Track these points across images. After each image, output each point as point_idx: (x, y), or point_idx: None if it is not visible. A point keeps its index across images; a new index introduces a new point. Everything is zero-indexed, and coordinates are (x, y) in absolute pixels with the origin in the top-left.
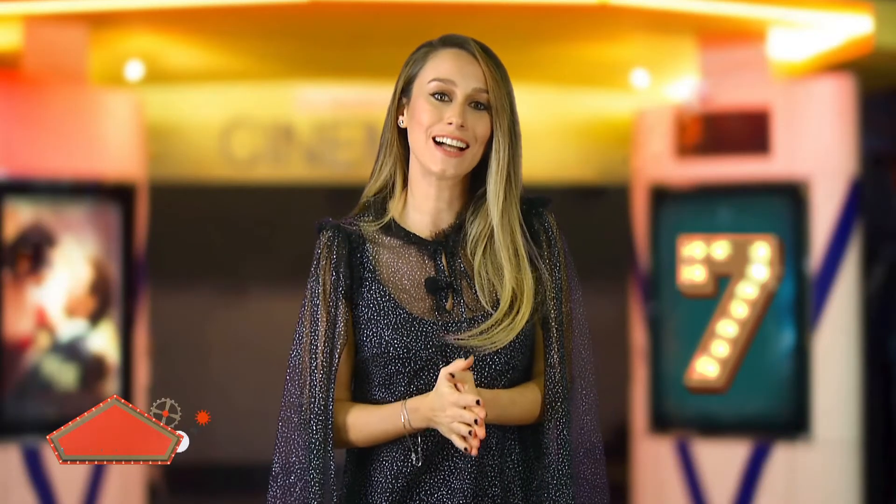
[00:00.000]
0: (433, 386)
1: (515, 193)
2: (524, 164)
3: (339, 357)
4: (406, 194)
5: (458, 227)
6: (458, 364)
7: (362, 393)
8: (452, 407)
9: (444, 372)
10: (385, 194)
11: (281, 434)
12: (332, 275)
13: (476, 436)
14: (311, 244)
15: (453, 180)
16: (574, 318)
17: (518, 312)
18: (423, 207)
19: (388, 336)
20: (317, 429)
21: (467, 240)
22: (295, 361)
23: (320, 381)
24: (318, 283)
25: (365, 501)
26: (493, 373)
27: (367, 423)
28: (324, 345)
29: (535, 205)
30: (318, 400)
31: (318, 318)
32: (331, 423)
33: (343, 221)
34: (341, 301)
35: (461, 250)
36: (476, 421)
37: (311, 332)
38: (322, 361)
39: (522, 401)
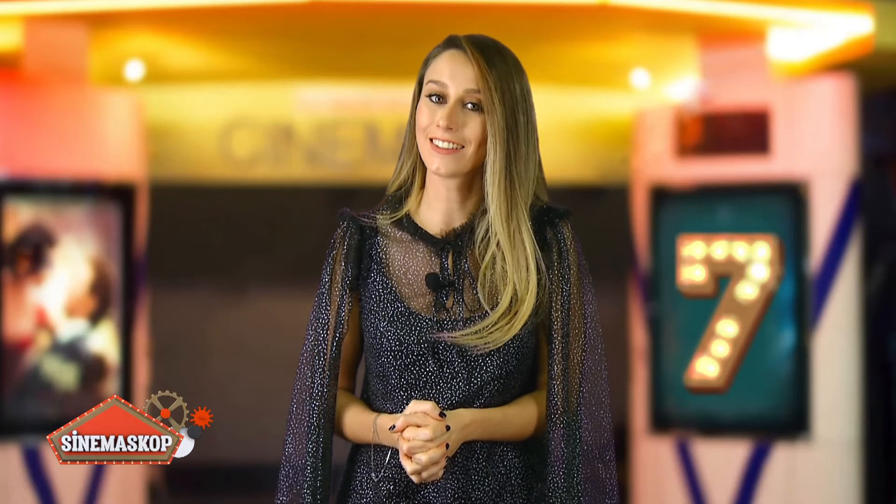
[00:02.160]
0: (423, 381)
1: (520, 193)
2: None
3: (339, 346)
4: (423, 192)
5: (470, 228)
6: (426, 406)
7: (365, 382)
8: (404, 442)
9: (414, 406)
10: (404, 190)
11: (294, 415)
12: (342, 265)
13: (425, 469)
14: (311, 244)
15: (457, 179)
16: (586, 334)
17: (516, 314)
18: (436, 206)
19: (382, 327)
20: (313, 415)
21: (476, 240)
22: (307, 346)
23: (321, 369)
24: (329, 272)
25: (352, 498)
26: (485, 377)
27: (348, 423)
28: (328, 333)
29: (553, 215)
30: (317, 387)
31: (325, 307)
32: (330, 410)
33: (360, 213)
34: (347, 291)
35: (469, 250)
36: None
37: (319, 320)
38: (325, 350)
39: (518, 419)
